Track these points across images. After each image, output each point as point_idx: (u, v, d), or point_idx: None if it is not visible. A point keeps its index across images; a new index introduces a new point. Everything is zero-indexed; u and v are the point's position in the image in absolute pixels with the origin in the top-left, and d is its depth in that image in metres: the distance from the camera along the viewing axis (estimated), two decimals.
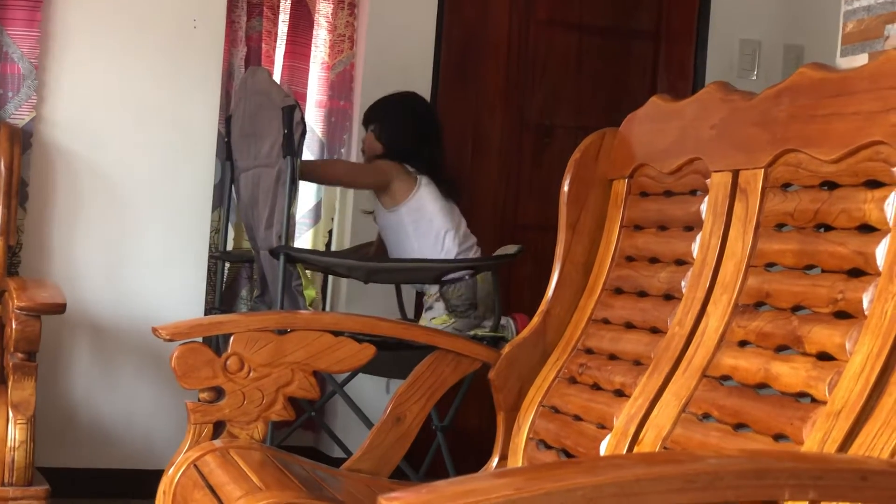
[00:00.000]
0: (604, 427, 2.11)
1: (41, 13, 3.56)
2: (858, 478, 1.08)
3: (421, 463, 3.37)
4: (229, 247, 4.01)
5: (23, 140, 3.50)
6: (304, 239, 4.17)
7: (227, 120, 3.85)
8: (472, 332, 3.35)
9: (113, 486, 3.64)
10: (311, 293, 3.23)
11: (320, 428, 4.07)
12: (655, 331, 2.12)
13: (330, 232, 4.22)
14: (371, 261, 3.40)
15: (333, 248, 4.21)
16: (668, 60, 4.49)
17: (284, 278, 3.18)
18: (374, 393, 3.83)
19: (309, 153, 4.14)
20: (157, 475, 2.25)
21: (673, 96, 2.36)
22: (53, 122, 3.62)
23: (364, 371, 3.46)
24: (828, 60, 3.97)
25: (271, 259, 3.32)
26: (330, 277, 4.09)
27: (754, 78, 4.44)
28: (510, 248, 3.46)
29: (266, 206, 3.33)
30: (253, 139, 3.52)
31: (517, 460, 2.33)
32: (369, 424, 3.06)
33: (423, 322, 3.48)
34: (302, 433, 4.10)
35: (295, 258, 3.20)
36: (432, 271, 3.44)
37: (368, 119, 3.72)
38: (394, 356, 2.80)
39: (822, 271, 1.77)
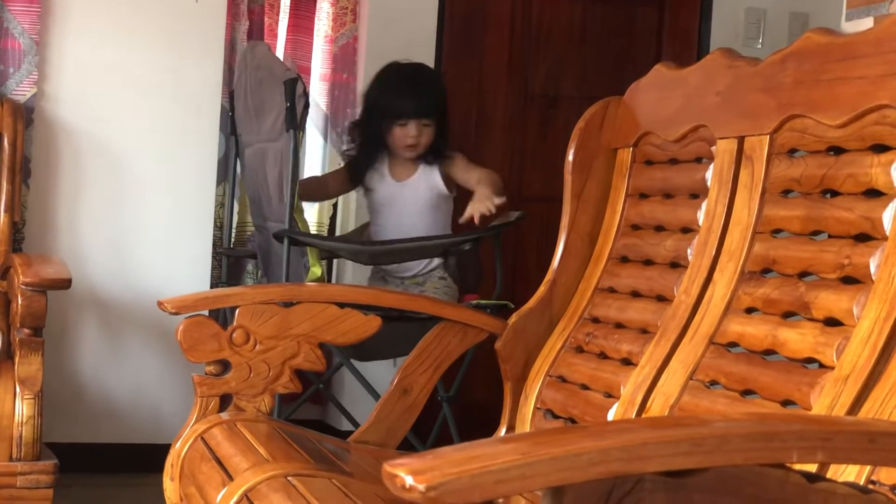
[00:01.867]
0: (611, 396, 2.11)
1: None
2: (867, 440, 1.07)
3: (428, 434, 3.38)
4: (234, 221, 4.01)
5: (25, 116, 3.49)
6: (309, 213, 4.16)
7: (230, 94, 3.84)
8: (474, 302, 3.35)
9: (121, 460, 3.65)
10: (316, 271, 3.22)
11: (328, 401, 4.07)
12: (662, 299, 2.12)
13: (335, 205, 4.21)
14: (374, 244, 3.38)
15: (338, 220, 4.20)
16: (673, 29, 4.47)
17: (289, 259, 3.18)
18: (380, 365, 3.82)
19: (314, 127, 4.13)
20: (164, 449, 2.26)
21: (678, 64, 2.35)
22: (55, 98, 3.61)
23: (373, 357, 3.46)
24: (833, 27, 3.95)
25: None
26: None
27: (759, 46, 4.43)
28: (511, 215, 3.44)
29: (276, 180, 3.32)
30: (257, 114, 3.51)
31: (524, 430, 2.33)
32: (376, 396, 3.06)
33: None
34: (309, 406, 4.10)
35: (299, 242, 3.19)
36: (438, 248, 3.43)
37: (427, 112, 3.53)
38: (399, 332, 2.79)
39: (829, 237, 1.76)
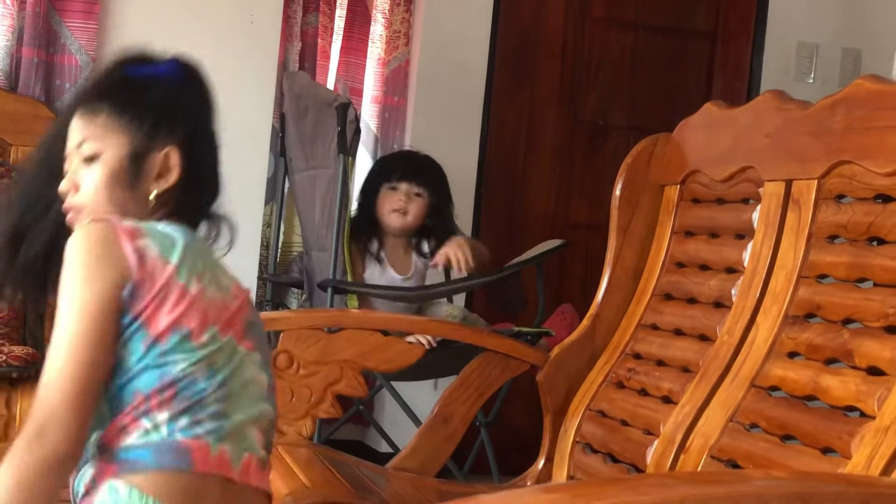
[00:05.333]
0: (650, 433, 2.11)
1: (99, 5, 3.60)
2: None
3: (465, 459, 3.38)
4: (280, 241, 4.04)
5: None
6: None
7: (281, 115, 3.87)
8: (515, 329, 3.34)
9: None
10: (353, 303, 3.25)
11: (368, 422, 4.09)
12: (704, 338, 2.12)
13: None
14: (417, 291, 3.37)
15: None
16: (725, 61, 4.46)
17: (332, 303, 3.20)
18: (421, 387, 3.84)
19: (364, 149, 4.15)
20: None
21: (728, 97, 2.35)
22: None
23: (413, 378, 3.47)
24: (886, 64, 3.94)
25: (320, 262, 3.34)
26: None
27: (811, 81, 4.40)
28: (553, 243, 3.43)
29: (322, 207, 3.34)
30: (305, 141, 3.53)
31: (563, 464, 2.33)
32: (416, 420, 3.08)
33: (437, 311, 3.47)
34: (350, 427, 4.12)
35: (343, 290, 3.21)
36: (477, 286, 3.44)
37: (418, 176, 3.45)
38: (440, 356, 2.80)
39: (875, 285, 1.76)
